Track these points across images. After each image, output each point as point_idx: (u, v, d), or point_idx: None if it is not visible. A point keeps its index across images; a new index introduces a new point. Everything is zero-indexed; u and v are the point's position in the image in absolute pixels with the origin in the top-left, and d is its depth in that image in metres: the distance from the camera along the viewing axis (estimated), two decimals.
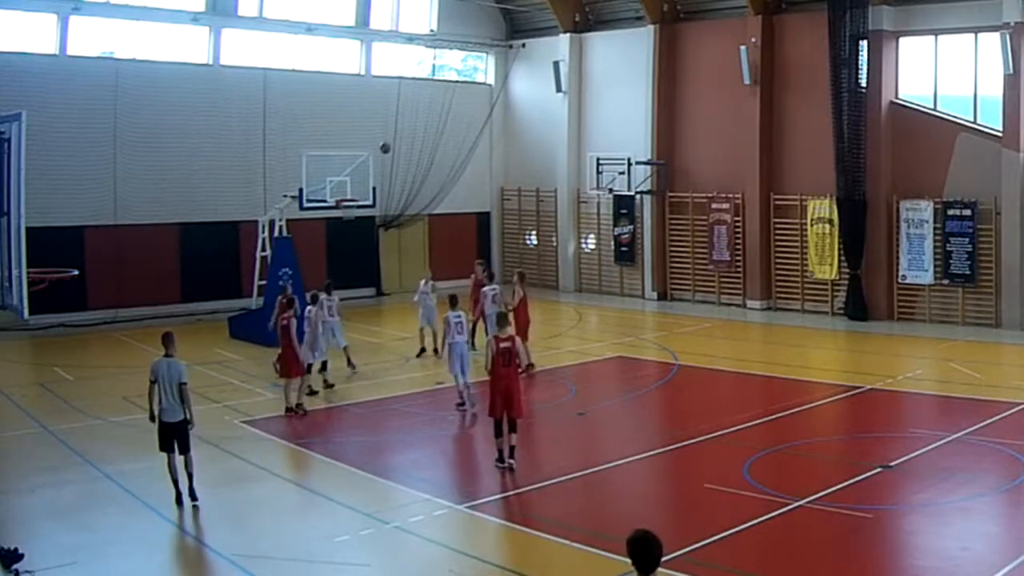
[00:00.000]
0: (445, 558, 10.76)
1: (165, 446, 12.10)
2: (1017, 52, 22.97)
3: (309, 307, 18.23)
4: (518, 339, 14.10)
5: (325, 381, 18.84)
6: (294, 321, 16.98)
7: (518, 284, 20.22)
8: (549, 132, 32.96)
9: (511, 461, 13.47)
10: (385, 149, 27.12)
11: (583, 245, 32.76)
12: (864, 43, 24.88)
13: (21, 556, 10.08)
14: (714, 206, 28.84)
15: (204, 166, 27.62)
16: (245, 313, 24.69)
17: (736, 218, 28.36)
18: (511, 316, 16.08)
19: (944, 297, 24.88)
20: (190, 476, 12.09)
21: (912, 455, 13.78)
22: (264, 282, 23.77)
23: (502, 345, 13.45)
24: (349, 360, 20.02)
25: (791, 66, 27.26)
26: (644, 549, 6.01)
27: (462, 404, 16.85)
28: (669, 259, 30.22)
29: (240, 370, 20.46)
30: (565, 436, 16.05)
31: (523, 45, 34.08)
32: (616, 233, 31.24)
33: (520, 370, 14.38)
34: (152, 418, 12.10)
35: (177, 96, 27.05)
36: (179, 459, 12.08)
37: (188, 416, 12.08)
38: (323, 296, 19.30)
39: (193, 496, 12.04)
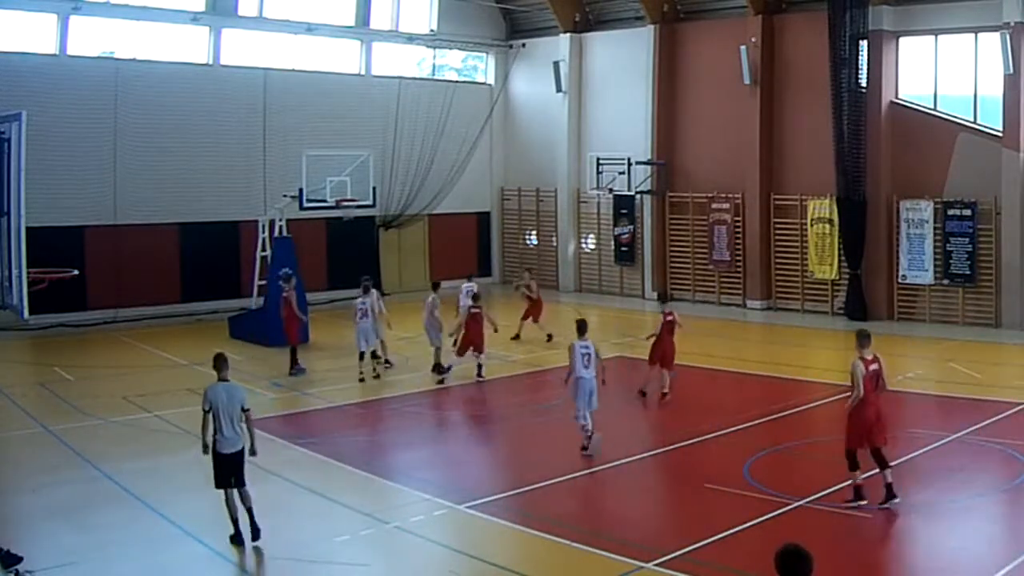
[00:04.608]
0: (445, 558, 10.77)
1: (222, 482, 10.97)
2: (1017, 52, 22.97)
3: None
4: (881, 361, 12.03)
5: (378, 360, 20.00)
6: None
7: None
8: (549, 132, 32.95)
9: (895, 501, 11.52)
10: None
11: (583, 245, 32.74)
12: (864, 43, 24.87)
13: (20, 559, 10.07)
14: (714, 206, 28.83)
15: (204, 166, 27.57)
16: (245, 313, 24.64)
17: (736, 218, 28.35)
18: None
19: (944, 297, 24.88)
20: (250, 511, 10.94)
21: (912, 455, 13.79)
22: (264, 282, 23.75)
23: (871, 368, 11.70)
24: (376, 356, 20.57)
25: (791, 66, 27.26)
26: (795, 562, 5.66)
27: (586, 448, 14.21)
28: (669, 259, 30.21)
29: (240, 370, 20.27)
30: (565, 436, 16.00)
31: (523, 45, 34.07)
32: (616, 233, 31.23)
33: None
34: (205, 450, 11.00)
35: (177, 96, 27.02)
36: (235, 493, 10.98)
37: (252, 446, 11.11)
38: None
39: (256, 534, 10.84)
